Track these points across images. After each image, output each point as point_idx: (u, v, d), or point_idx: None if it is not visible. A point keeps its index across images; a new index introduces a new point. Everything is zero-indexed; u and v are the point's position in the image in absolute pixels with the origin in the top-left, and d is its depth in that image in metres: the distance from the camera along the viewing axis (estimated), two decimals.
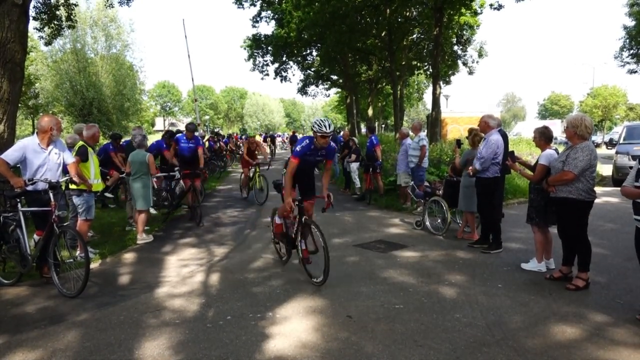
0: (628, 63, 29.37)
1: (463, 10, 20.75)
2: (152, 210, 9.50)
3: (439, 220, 7.44)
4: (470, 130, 7.04)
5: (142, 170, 7.18)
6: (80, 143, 6.28)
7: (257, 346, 3.53)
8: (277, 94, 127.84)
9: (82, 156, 6.02)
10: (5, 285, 5.06)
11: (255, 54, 28.83)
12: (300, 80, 33.54)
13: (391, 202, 10.25)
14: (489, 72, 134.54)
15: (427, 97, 48.30)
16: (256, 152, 11.55)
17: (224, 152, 22.91)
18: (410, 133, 10.05)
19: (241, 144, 30.64)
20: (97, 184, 6.41)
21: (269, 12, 26.33)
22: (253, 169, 10.97)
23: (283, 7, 23.92)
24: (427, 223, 7.59)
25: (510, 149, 6.93)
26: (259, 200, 10.59)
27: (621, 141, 14.62)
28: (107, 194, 9.61)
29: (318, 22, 20.31)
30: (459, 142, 7.70)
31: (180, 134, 9.88)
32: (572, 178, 4.51)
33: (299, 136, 45.77)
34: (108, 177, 9.17)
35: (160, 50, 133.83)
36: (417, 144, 9.16)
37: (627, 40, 28.85)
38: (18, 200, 5.07)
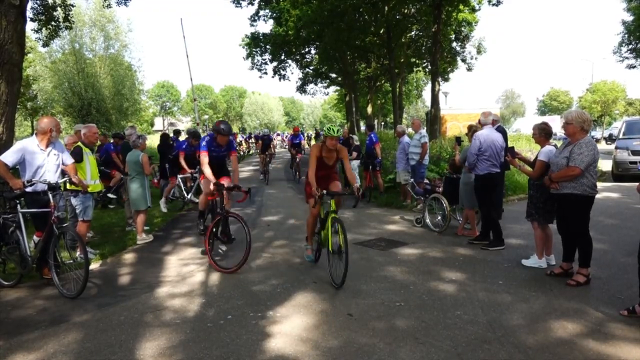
0: (627, 58, 29.41)
1: (461, 6, 20.75)
2: (163, 209, 9.57)
3: (439, 218, 7.44)
4: (470, 127, 7.04)
5: (137, 170, 7.19)
6: (77, 143, 6.27)
7: (258, 345, 3.53)
8: (276, 93, 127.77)
9: (75, 157, 5.97)
10: (5, 286, 5.06)
11: (254, 52, 28.82)
12: (299, 78, 33.56)
13: (391, 200, 10.24)
14: (488, 69, 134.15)
15: (426, 94, 48.30)
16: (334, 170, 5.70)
17: None
18: (409, 130, 10.04)
19: (242, 142, 30.47)
20: (95, 184, 6.38)
21: (267, 10, 26.30)
22: (325, 204, 5.28)
23: (281, 5, 23.90)
24: (427, 220, 7.59)
25: (510, 144, 6.94)
26: (335, 281, 4.79)
27: (621, 136, 14.62)
28: (110, 195, 9.58)
29: (316, 20, 20.31)
30: (458, 140, 7.70)
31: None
32: (578, 173, 4.50)
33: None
34: (112, 177, 9.16)
35: (158, 50, 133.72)
36: (418, 141, 9.15)
37: (626, 35, 28.86)
38: (17, 201, 5.07)
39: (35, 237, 5.36)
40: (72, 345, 3.60)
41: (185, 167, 9.56)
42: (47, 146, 5.14)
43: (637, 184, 4.10)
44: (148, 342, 3.63)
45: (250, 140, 33.58)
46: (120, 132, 11.55)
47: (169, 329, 3.86)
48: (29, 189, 4.94)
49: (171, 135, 13.28)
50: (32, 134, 5.73)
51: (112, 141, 10.40)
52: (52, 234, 4.81)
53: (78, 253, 5.39)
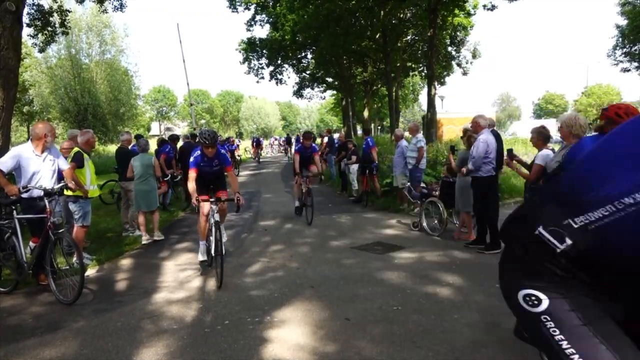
0: (621, 62, 29.58)
1: (457, 11, 20.92)
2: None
3: (436, 221, 7.46)
4: (465, 131, 7.07)
5: (149, 172, 7.37)
6: (76, 149, 6.27)
7: (255, 350, 3.52)
8: (273, 97, 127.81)
9: (77, 162, 6.00)
10: (1, 293, 5.03)
11: (251, 57, 28.88)
12: (296, 83, 33.62)
13: (388, 204, 10.25)
14: (484, 73, 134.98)
15: (423, 98, 48.45)
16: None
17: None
18: (406, 134, 10.07)
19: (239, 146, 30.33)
20: (94, 190, 6.40)
21: (263, 15, 26.42)
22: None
23: (277, 10, 24.00)
24: (424, 224, 7.60)
25: (508, 147, 6.98)
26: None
27: None
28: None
29: (312, 24, 20.39)
30: (452, 149, 7.73)
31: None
32: None
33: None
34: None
35: (155, 55, 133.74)
36: (415, 145, 9.18)
37: (620, 39, 29.06)
38: (13, 207, 5.06)
39: (31, 243, 5.34)
40: (69, 352, 3.58)
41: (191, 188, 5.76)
42: (42, 152, 5.14)
43: None
44: (145, 348, 3.62)
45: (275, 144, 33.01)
46: (175, 134, 11.65)
47: (166, 335, 3.85)
48: (24, 195, 4.93)
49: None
50: (28, 139, 5.73)
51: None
52: (49, 239, 4.80)
53: (74, 259, 5.37)
